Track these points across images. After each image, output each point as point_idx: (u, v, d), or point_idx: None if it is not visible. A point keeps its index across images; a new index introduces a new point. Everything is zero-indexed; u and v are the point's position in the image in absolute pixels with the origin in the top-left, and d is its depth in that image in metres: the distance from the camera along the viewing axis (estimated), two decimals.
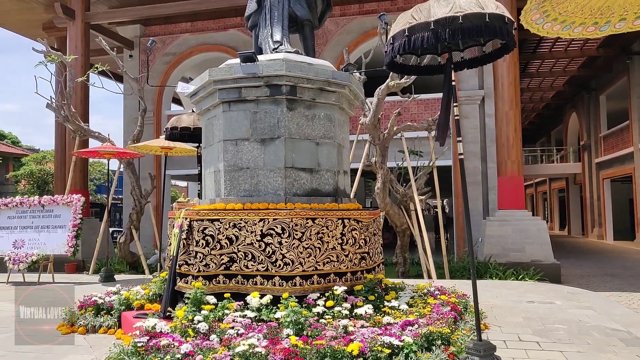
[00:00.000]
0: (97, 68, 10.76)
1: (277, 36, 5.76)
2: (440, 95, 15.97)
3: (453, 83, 3.93)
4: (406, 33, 3.72)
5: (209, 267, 4.80)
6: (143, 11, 14.92)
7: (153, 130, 16.17)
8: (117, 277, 9.92)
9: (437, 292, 5.63)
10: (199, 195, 9.02)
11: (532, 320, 5.58)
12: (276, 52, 5.57)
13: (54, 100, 11.11)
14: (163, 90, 16.84)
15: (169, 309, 4.80)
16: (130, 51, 17.01)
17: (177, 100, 22.24)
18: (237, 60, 5.19)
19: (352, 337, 3.77)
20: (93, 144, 12.83)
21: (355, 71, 7.07)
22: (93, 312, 5.58)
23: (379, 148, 10.24)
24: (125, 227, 12.72)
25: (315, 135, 5.34)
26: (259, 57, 5.26)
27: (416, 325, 4.10)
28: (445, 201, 25.93)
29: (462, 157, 4.08)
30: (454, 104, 3.93)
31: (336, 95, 5.44)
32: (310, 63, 5.33)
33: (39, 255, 9.26)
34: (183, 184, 39.93)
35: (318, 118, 5.36)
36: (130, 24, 16.55)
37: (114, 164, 11.43)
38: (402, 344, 3.68)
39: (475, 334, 3.79)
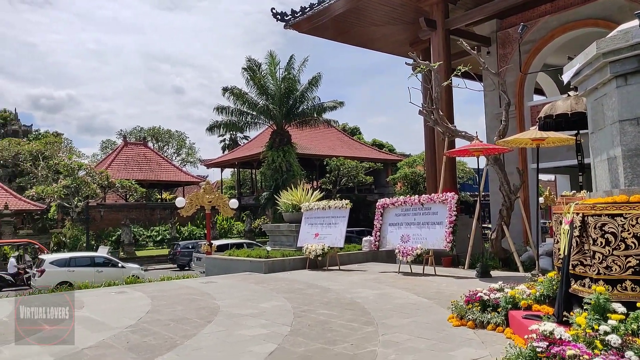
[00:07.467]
0: (460, 70, 11.11)
1: None
2: None
3: None
4: None
5: (612, 270, 4.13)
6: (499, 4, 14.65)
7: (516, 124, 15.69)
8: (492, 273, 9.93)
9: None
10: (580, 188, 8.12)
11: None
12: None
13: (424, 107, 12.07)
14: (524, 81, 16.17)
15: (565, 313, 4.37)
16: (487, 48, 17.04)
17: (538, 91, 21.02)
18: (632, 24, 4.33)
19: None
20: (459, 143, 13.35)
21: None
22: (479, 307, 5.65)
23: None
24: (495, 223, 12.67)
25: None
26: None
27: None
28: None
29: None
30: None
31: None
32: None
33: (421, 249, 10.16)
34: (545, 177, 37.63)
35: None
36: (486, 20, 16.55)
37: (480, 162, 11.53)
38: None
39: None
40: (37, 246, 24.23)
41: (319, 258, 11.95)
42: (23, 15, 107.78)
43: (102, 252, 22.86)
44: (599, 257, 4.21)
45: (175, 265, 26.82)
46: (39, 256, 20.33)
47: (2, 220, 29.52)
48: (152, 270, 24.51)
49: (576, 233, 4.43)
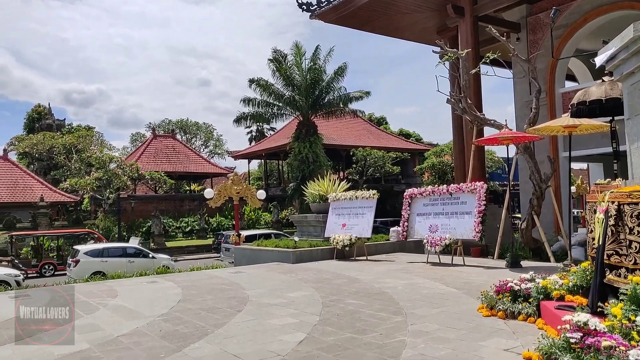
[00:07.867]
0: (488, 57, 10.88)
1: None
2: None
3: None
4: None
5: None
6: None
7: (547, 111, 15.32)
8: (522, 263, 9.77)
9: None
10: (615, 176, 7.90)
11: None
12: None
13: (452, 95, 11.90)
14: (555, 67, 15.75)
15: (599, 303, 4.27)
16: (517, 34, 16.65)
17: (570, 77, 20.44)
18: None
19: None
20: (488, 132, 13.12)
21: None
22: (510, 297, 5.58)
23: None
24: (525, 212, 12.45)
25: None
26: None
27: None
28: None
29: None
30: None
31: None
32: None
33: (450, 239, 10.06)
34: (577, 165, 36.71)
35: None
36: (516, 6, 16.15)
37: (509, 151, 11.32)
38: None
39: None
40: (96, 236, 25.08)
41: (347, 248, 11.96)
42: (55, 12, 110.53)
43: (134, 243, 23.42)
44: (636, 247, 4.10)
45: (219, 254, 27.30)
46: (73, 247, 20.94)
47: (39, 212, 30.48)
48: (197, 260, 24.91)
49: (611, 222, 4.31)
